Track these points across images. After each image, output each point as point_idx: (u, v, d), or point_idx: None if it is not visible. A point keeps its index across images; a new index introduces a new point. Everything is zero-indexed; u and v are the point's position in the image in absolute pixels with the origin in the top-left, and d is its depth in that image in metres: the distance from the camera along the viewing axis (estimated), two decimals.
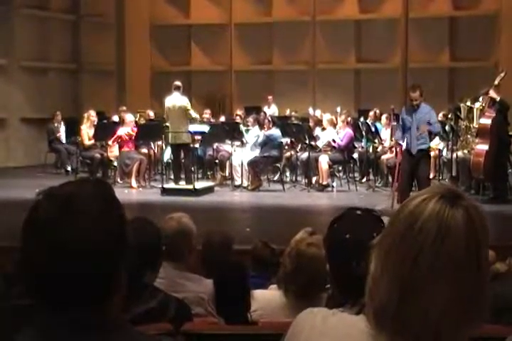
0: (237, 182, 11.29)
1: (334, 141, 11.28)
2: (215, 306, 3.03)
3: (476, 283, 1.13)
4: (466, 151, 10.38)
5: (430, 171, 10.59)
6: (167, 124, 12.20)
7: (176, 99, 10.71)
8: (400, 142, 8.92)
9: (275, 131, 11.37)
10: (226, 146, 11.91)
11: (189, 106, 10.83)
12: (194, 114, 11.02)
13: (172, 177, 11.90)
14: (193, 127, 11.07)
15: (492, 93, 9.46)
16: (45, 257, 1.17)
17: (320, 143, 11.50)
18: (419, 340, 1.12)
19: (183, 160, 11.15)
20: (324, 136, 11.58)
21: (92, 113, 12.11)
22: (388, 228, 1.18)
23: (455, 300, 1.12)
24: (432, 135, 8.99)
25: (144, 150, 11.93)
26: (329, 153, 11.19)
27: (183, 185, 10.76)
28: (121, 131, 11.52)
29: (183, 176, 11.05)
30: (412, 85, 8.95)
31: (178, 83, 10.92)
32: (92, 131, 11.80)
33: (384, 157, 11.46)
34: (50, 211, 1.19)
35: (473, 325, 1.15)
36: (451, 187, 1.19)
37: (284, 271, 2.97)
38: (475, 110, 10.25)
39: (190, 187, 10.47)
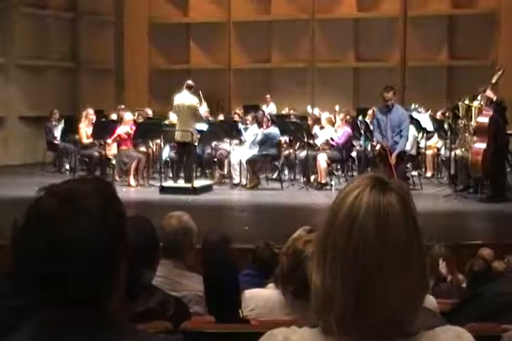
0: (236, 180, 11.29)
1: (332, 139, 11.29)
2: (206, 304, 3.02)
3: (421, 263, 1.17)
4: (464, 150, 10.39)
5: (407, 170, 10.87)
6: (166, 122, 12.21)
7: (185, 98, 10.64)
8: (378, 139, 9.02)
9: (274, 130, 11.37)
10: (224, 145, 11.91)
11: (198, 106, 10.77)
12: (202, 114, 10.97)
13: (171, 175, 11.92)
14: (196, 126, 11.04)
15: (489, 93, 9.46)
16: (44, 254, 1.17)
17: (318, 142, 11.51)
18: (386, 331, 1.14)
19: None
20: (323, 135, 11.58)
21: (90, 111, 12.09)
22: (326, 233, 1.19)
23: (408, 282, 1.15)
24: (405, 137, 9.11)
25: (143, 149, 11.92)
26: (327, 151, 11.19)
27: (181, 183, 10.75)
28: (121, 130, 11.51)
29: (181, 174, 11.05)
30: (386, 86, 9.08)
31: (190, 82, 10.85)
32: (90, 130, 11.79)
33: None
34: (50, 208, 1.19)
35: (422, 302, 1.20)
36: (375, 175, 1.22)
37: (281, 269, 2.97)
38: (473, 108, 10.25)
39: (189, 185, 10.47)
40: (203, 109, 11.13)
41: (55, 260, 1.17)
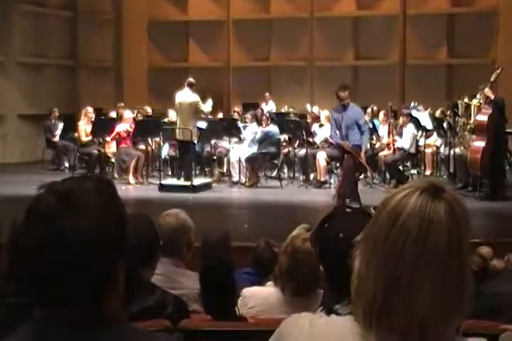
0: (235, 178, 11.29)
1: (332, 137, 11.30)
2: (202, 302, 3.02)
3: (459, 277, 1.14)
4: (463, 148, 10.39)
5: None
6: (165, 121, 12.20)
7: (186, 96, 10.61)
8: (337, 140, 9.09)
9: (273, 128, 11.37)
10: (224, 143, 11.90)
11: (199, 104, 10.69)
12: (204, 108, 10.84)
13: (170, 173, 11.92)
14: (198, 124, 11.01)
15: (487, 91, 9.47)
16: (43, 252, 1.17)
17: (317, 140, 11.51)
18: (406, 337, 1.13)
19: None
20: (322, 133, 11.59)
21: (90, 109, 12.08)
22: (371, 225, 1.19)
23: (440, 297, 1.12)
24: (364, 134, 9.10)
25: (142, 147, 11.92)
26: (327, 149, 11.20)
27: (181, 181, 10.75)
28: (120, 128, 11.51)
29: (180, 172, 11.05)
30: (341, 85, 9.13)
31: (191, 80, 10.79)
32: (89, 128, 11.78)
33: (382, 154, 11.46)
34: (49, 206, 1.19)
35: (458, 320, 1.16)
36: (434, 180, 1.19)
37: (280, 267, 2.97)
38: (472, 107, 10.25)
39: (188, 183, 10.47)
40: (209, 104, 11.04)
41: (54, 259, 1.17)
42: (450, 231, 1.13)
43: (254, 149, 11.33)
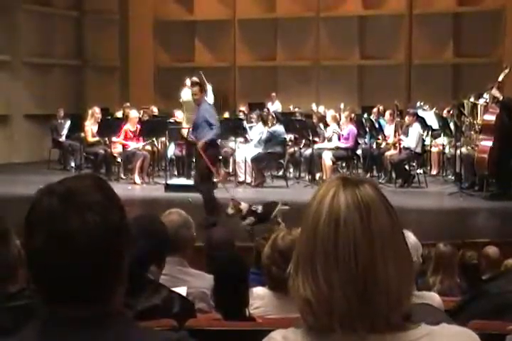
0: (241, 178, 11.29)
1: (339, 133, 11.36)
2: (214, 301, 3.03)
3: (404, 241, 1.20)
4: (469, 148, 10.37)
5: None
6: (171, 120, 12.22)
7: (190, 94, 10.63)
8: (191, 137, 8.73)
9: (279, 128, 11.37)
10: (230, 143, 11.90)
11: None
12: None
13: (176, 173, 11.93)
14: None
15: (495, 92, 9.44)
16: (51, 252, 1.17)
17: (327, 134, 11.56)
18: (389, 319, 1.15)
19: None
20: (327, 133, 11.64)
21: (97, 109, 12.12)
22: (310, 240, 1.18)
23: (400, 265, 1.17)
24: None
25: (148, 147, 11.94)
26: (336, 145, 11.20)
27: (187, 180, 10.75)
28: (127, 127, 11.55)
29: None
30: (191, 82, 9.10)
31: (195, 79, 10.84)
32: (95, 128, 11.81)
33: (388, 153, 11.44)
34: (51, 206, 1.19)
35: (413, 283, 1.24)
36: (340, 175, 1.26)
37: (265, 270, 3.00)
38: (479, 106, 10.23)
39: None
40: (210, 96, 11.03)
41: (62, 258, 1.17)
42: (385, 205, 1.19)
43: (260, 149, 11.33)
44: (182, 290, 2.98)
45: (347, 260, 1.14)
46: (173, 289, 2.83)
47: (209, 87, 11.03)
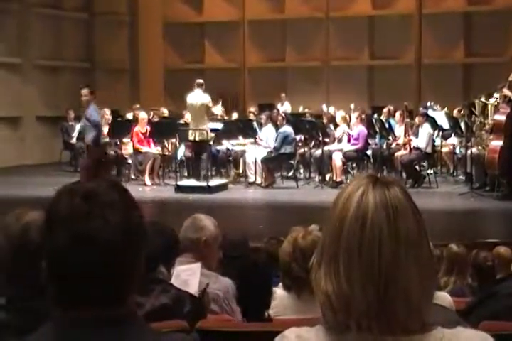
0: (251, 179, 11.30)
1: (349, 134, 11.36)
2: (238, 304, 3.04)
3: (429, 248, 1.19)
4: (480, 147, 10.32)
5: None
6: (181, 122, 12.24)
7: (197, 97, 10.67)
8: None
9: (287, 128, 11.35)
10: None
11: (210, 104, 10.79)
12: (213, 109, 10.96)
13: (186, 174, 11.94)
14: (210, 125, 11.06)
15: (506, 91, 9.40)
16: (73, 252, 1.17)
17: (337, 134, 11.55)
18: (406, 324, 1.14)
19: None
20: (337, 133, 11.63)
21: (107, 111, 12.17)
22: (335, 236, 1.18)
23: (423, 271, 1.16)
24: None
25: (158, 148, 11.96)
26: (347, 144, 11.18)
27: (197, 182, 10.76)
28: (137, 129, 11.58)
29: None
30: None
31: (200, 80, 10.88)
32: (106, 129, 11.84)
33: (398, 154, 11.41)
34: (73, 205, 1.19)
35: (435, 290, 1.22)
36: (369, 174, 1.24)
37: (284, 268, 2.98)
38: (489, 106, 10.19)
39: (205, 184, 10.49)
40: (218, 108, 11.13)
41: (83, 257, 1.17)
42: (412, 209, 1.18)
43: (274, 153, 11.31)
44: (192, 289, 2.98)
45: (370, 259, 1.14)
46: (182, 288, 2.84)
47: (219, 105, 11.22)
